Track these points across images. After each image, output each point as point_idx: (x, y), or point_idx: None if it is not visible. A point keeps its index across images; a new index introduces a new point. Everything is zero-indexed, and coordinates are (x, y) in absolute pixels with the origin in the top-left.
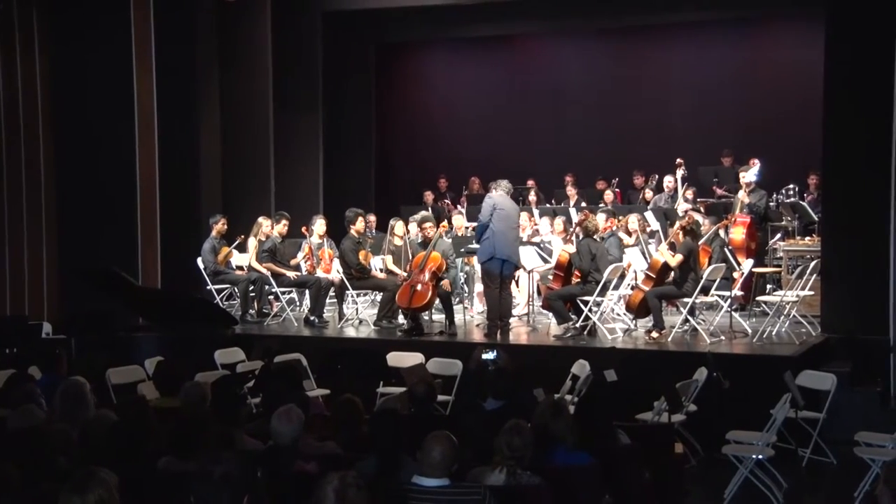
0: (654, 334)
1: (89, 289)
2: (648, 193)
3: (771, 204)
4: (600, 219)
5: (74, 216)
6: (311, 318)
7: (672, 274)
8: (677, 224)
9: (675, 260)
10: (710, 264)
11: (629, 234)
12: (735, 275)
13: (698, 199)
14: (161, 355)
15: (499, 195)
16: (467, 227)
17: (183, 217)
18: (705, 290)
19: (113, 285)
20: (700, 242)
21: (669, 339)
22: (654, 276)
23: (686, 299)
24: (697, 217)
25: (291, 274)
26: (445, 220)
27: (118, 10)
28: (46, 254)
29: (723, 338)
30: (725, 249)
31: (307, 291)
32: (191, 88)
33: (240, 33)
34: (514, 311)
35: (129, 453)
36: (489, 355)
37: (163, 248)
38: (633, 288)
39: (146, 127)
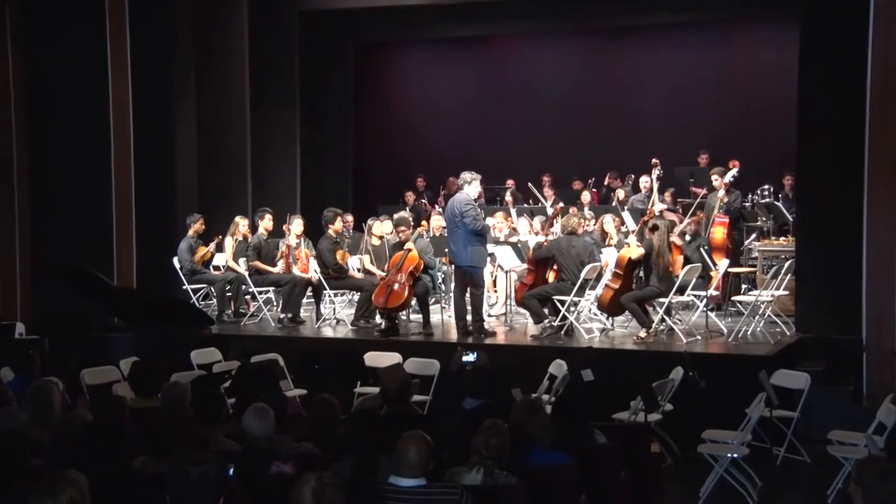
0: (643, 334)
1: (64, 289)
2: (622, 194)
3: (746, 204)
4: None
5: (48, 215)
6: (281, 315)
7: (639, 270)
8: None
9: (637, 252)
10: (684, 264)
11: (605, 234)
12: (711, 274)
13: (678, 200)
14: (137, 356)
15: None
16: (444, 227)
17: (159, 216)
18: (681, 290)
19: (88, 285)
20: (672, 239)
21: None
22: (621, 273)
23: (662, 299)
24: (672, 217)
25: (277, 270)
26: (424, 221)
27: (93, 7)
28: (20, 253)
29: (698, 337)
30: (702, 249)
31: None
32: (167, 86)
33: (216, 31)
34: (492, 311)
35: (103, 454)
36: (469, 357)
37: (138, 248)
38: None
39: (122, 125)
